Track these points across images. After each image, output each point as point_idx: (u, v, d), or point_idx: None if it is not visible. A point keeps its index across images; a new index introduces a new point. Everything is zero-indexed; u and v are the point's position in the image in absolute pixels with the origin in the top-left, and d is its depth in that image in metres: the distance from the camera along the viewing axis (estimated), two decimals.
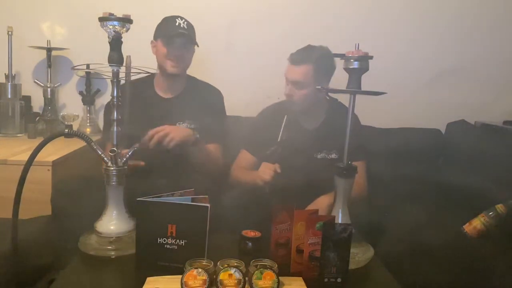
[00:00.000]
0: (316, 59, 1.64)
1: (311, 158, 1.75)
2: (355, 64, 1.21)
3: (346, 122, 1.27)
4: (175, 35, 1.71)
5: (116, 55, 1.24)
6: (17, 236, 1.20)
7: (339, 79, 1.29)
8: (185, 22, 1.75)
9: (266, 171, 1.57)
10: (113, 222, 1.28)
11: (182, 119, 1.78)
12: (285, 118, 1.64)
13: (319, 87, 1.58)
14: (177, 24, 1.73)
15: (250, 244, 1.29)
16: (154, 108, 1.77)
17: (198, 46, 1.79)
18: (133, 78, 1.38)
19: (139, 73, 1.33)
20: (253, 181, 1.61)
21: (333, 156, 1.76)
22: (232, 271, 1.03)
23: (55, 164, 1.69)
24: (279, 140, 1.61)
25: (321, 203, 1.55)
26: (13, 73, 2.20)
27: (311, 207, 1.55)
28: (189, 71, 1.91)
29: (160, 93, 1.83)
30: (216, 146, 1.81)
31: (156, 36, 1.76)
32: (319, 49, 1.68)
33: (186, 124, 1.78)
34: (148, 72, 1.36)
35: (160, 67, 1.78)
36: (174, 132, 1.53)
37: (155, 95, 1.83)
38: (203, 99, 1.83)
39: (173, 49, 1.71)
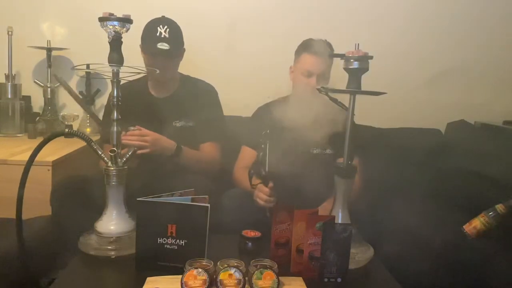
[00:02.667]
0: (330, 51, 1.69)
1: (307, 153, 1.76)
2: (355, 64, 1.21)
3: (346, 122, 1.27)
4: (153, 52, 1.66)
5: (116, 55, 1.24)
6: (22, 238, 1.20)
7: (339, 79, 1.29)
8: (167, 29, 1.67)
9: (261, 196, 1.52)
10: (113, 222, 1.28)
11: (178, 118, 1.78)
12: (267, 145, 1.55)
13: (319, 87, 1.57)
14: (157, 33, 1.66)
15: (250, 244, 1.29)
16: (149, 108, 1.77)
17: (184, 49, 1.78)
18: (127, 78, 1.38)
19: (139, 73, 1.33)
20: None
21: (329, 151, 1.76)
22: (232, 271, 1.03)
23: (55, 164, 1.69)
24: (267, 170, 1.53)
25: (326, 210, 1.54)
26: (13, 73, 2.20)
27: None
28: (189, 72, 1.92)
29: (154, 93, 1.83)
30: (212, 145, 1.81)
31: (141, 41, 1.72)
32: (326, 42, 1.72)
33: (183, 122, 1.78)
34: (148, 72, 1.36)
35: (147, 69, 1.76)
36: (151, 143, 1.56)
37: (149, 95, 1.83)
38: (197, 96, 1.83)
39: (155, 62, 1.67)
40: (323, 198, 1.60)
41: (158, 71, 1.68)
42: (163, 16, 1.74)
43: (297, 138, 1.63)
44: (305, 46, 1.72)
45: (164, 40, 1.67)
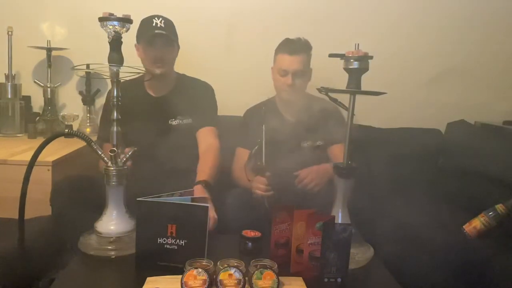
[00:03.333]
0: (307, 48, 1.77)
1: (298, 147, 1.81)
2: (355, 64, 1.21)
3: (347, 122, 1.27)
4: (151, 36, 1.69)
5: (116, 55, 1.24)
6: (23, 236, 1.20)
7: (339, 79, 1.29)
8: (163, 21, 1.73)
9: (259, 187, 1.59)
10: (113, 222, 1.28)
11: (174, 116, 1.79)
12: (263, 138, 1.60)
13: (319, 87, 1.58)
14: (153, 24, 1.71)
15: (250, 244, 1.29)
16: (145, 107, 1.78)
17: (179, 46, 1.79)
18: (126, 78, 1.38)
19: (139, 73, 1.33)
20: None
21: (319, 143, 1.83)
22: (232, 271, 1.03)
23: (55, 164, 1.69)
24: (263, 161, 1.59)
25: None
26: (13, 73, 2.20)
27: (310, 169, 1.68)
28: (188, 72, 1.92)
29: (150, 92, 1.84)
30: (209, 129, 1.81)
31: (137, 39, 1.76)
32: (302, 39, 1.78)
33: (178, 120, 1.79)
34: (148, 72, 1.36)
35: (146, 69, 1.77)
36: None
37: (146, 94, 1.83)
38: (194, 94, 1.83)
39: (153, 50, 1.71)
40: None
41: (158, 71, 1.69)
42: (156, 14, 1.76)
43: (287, 134, 1.67)
44: (280, 47, 1.79)
45: (160, 28, 1.71)
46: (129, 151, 1.34)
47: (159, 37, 1.69)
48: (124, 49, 1.26)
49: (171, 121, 1.79)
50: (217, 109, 1.92)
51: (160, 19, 1.73)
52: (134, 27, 1.29)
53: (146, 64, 1.74)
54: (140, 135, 1.63)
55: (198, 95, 1.84)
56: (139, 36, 1.74)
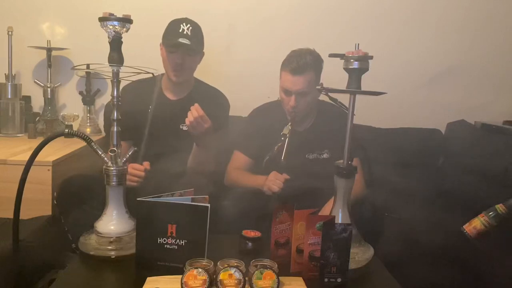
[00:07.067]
0: (314, 64, 1.65)
1: (303, 159, 1.76)
2: (355, 64, 1.20)
3: (346, 122, 1.27)
4: (174, 45, 1.67)
5: (116, 55, 1.24)
6: (18, 236, 1.20)
7: (339, 79, 1.29)
8: (190, 28, 1.70)
9: (276, 182, 1.56)
10: (113, 222, 1.28)
11: (184, 122, 1.77)
12: (287, 137, 1.61)
13: (319, 86, 1.58)
14: (180, 30, 1.68)
15: (250, 244, 1.29)
16: (160, 110, 1.76)
17: (203, 53, 1.78)
18: (142, 78, 1.37)
19: (139, 73, 1.33)
20: (257, 187, 1.62)
21: (325, 156, 1.77)
22: (232, 271, 1.03)
23: (55, 164, 1.69)
24: (283, 159, 1.58)
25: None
26: (13, 73, 2.20)
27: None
28: None
29: (167, 94, 1.83)
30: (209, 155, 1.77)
31: (162, 39, 1.74)
32: (310, 53, 1.67)
33: (186, 127, 1.77)
34: (148, 72, 1.36)
35: (165, 72, 1.78)
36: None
37: (163, 96, 1.82)
38: (209, 103, 1.73)
39: (174, 57, 1.69)
40: (323, 201, 1.60)
41: (174, 79, 1.66)
42: (186, 18, 1.74)
43: (291, 144, 1.64)
44: (285, 63, 1.67)
45: (186, 36, 1.68)
46: (129, 151, 1.34)
47: (182, 46, 1.67)
48: (124, 49, 1.26)
49: (182, 126, 1.77)
50: (227, 127, 1.85)
51: (188, 25, 1.69)
52: (134, 27, 1.28)
53: (165, 66, 1.73)
54: (151, 137, 1.63)
55: (213, 107, 1.72)
56: (164, 37, 1.72)
